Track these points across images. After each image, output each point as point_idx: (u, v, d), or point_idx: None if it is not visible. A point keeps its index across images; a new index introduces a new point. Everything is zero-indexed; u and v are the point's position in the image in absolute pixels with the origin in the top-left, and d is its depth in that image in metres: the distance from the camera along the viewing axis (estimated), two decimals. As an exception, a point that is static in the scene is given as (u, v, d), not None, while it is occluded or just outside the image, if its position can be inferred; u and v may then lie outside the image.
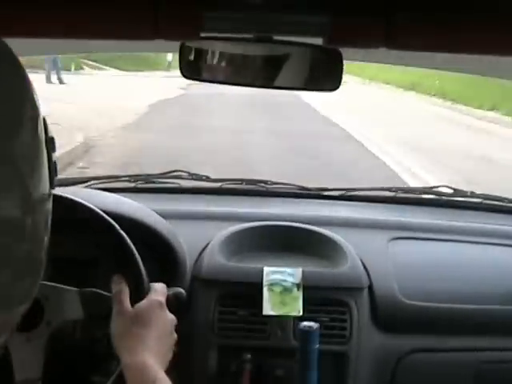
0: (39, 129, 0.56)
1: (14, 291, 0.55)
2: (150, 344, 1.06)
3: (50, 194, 0.58)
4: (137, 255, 1.23)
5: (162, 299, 1.14)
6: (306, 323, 1.34)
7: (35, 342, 1.18)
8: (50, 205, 0.59)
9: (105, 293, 1.23)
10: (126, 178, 2.02)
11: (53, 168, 0.59)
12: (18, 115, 0.53)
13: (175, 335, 1.14)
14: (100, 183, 1.94)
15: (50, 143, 0.59)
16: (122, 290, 1.14)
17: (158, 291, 1.16)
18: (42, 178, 0.56)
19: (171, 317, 1.14)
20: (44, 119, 0.58)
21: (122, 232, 1.24)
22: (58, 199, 1.25)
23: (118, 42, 1.08)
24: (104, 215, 1.26)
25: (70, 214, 1.30)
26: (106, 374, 1.21)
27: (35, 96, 0.56)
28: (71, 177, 2.00)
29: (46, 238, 0.58)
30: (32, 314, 1.20)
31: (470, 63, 1.20)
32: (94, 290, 1.24)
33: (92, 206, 1.27)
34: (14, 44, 0.96)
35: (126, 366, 1.04)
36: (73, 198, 1.29)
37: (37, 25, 0.84)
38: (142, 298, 1.14)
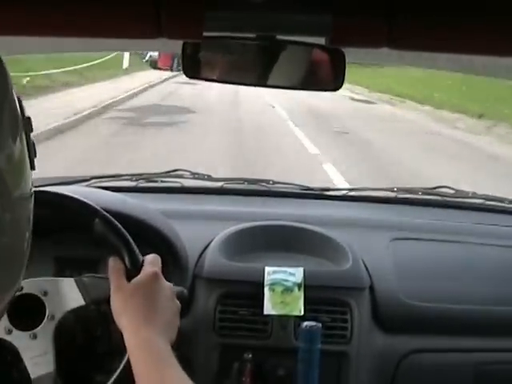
0: (19, 127, 0.56)
1: None
2: (151, 317, 1.05)
3: (31, 194, 0.58)
4: (125, 233, 1.23)
5: (157, 269, 1.13)
6: (308, 323, 1.34)
7: (42, 338, 1.19)
8: (31, 203, 0.59)
9: (101, 275, 1.24)
10: (128, 177, 2.02)
11: (31, 149, 0.59)
12: None
13: (178, 303, 1.13)
14: (101, 182, 1.95)
15: (28, 124, 0.58)
16: (116, 267, 1.14)
17: (152, 262, 1.15)
18: (22, 176, 0.56)
19: (169, 285, 1.13)
20: (19, 99, 0.57)
21: (107, 214, 1.25)
22: (57, 198, 1.26)
23: (120, 40, 1.08)
24: (89, 202, 1.26)
25: (70, 213, 1.30)
26: (108, 372, 1.22)
27: (14, 94, 0.56)
28: (72, 176, 2.00)
29: (28, 233, 0.59)
30: (34, 311, 1.21)
31: (471, 63, 1.20)
32: (90, 275, 1.25)
33: (83, 199, 1.27)
34: (14, 42, 0.96)
35: (128, 344, 1.03)
36: (73, 195, 1.29)
37: (38, 23, 0.83)
38: (137, 273, 1.14)
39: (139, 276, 1.11)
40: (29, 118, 0.59)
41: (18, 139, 0.55)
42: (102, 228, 1.24)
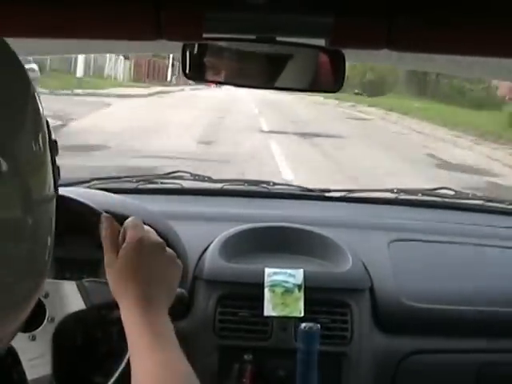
0: (41, 129, 0.56)
1: (15, 292, 0.54)
2: (148, 290, 0.92)
3: (53, 196, 0.58)
4: None
5: (141, 232, 0.96)
6: (306, 324, 1.34)
7: (41, 340, 1.19)
8: (53, 206, 0.58)
9: (103, 280, 1.24)
10: (128, 179, 2.02)
11: (56, 171, 0.59)
12: (19, 115, 0.53)
13: (179, 263, 0.98)
14: (102, 183, 1.95)
15: (53, 146, 0.59)
16: (110, 230, 0.98)
17: (133, 226, 0.97)
18: (44, 178, 0.56)
19: (160, 242, 0.97)
20: (47, 122, 0.58)
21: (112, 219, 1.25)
22: (61, 200, 1.26)
23: (121, 42, 1.08)
24: (94, 206, 1.26)
25: (71, 214, 1.30)
26: (108, 374, 1.22)
27: (37, 97, 0.56)
28: (73, 177, 2.00)
29: (50, 239, 0.58)
30: (34, 312, 1.20)
31: (471, 65, 1.20)
32: (92, 279, 1.25)
33: (88, 202, 1.27)
34: (13, 44, 0.96)
35: (128, 324, 0.90)
36: (74, 197, 1.30)
37: (37, 24, 0.84)
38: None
39: (124, 246, 0.94)
40: (55, 142, 0.59)
41: (41, 142, 0.55)
42: None
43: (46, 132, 0.57)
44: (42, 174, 0.55)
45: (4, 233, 0.50)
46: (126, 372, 1.05)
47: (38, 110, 0.56)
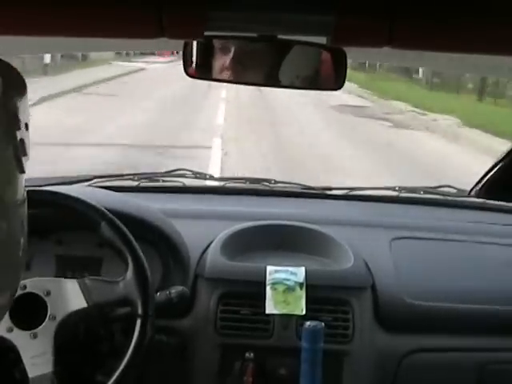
0: (6, 131, 0.54)
1: None
2: None
3: (24, 200, 0.57)
4: (132, 238, 1.24)
5: None
6: (311, 322, 1.34)
7: (42, 338, 1.19)
8: (24, 209, 0.57)
9: (106, 279, 1.24)
10: (130, 177, 2.02)
11: (20, 149, 0.55)
12: None
13: None
14: (103, 181, 1.94)
15: (14, 120, 0.55)
16: None
17: None
18: (15, 183, 0.55)
19: None
20: (17, 123, 0.54)
21: (114, 218, 1.25)
22: (64, 199, 1.26)
23: (121, 40, 1.08)
24: (96, 205, 1.26)
25: (73, 213, 1.31)
26: (109, 373, 1.22)
27: (5, 99, 0.53)
28: (74, 175, 2.00)
29: (23, 240, 0.57)
30: (35, 310, 1.21)
31: (473, 63, 1.19)
32: (94, 277, 1.25)
33: (90, 201, 1.27)
34: (14, 42, 0.95)
35: None
36: (75, 195, 1.30)
37: (39, 22, 0.83)
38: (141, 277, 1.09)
39: None
40: (15, 115, 0.55)
41: (6, 144, 0.53)
42: (108, 232, 1.24)
43: (11, 132, 0.55)
44: (12, 178, 0.54)
45: None
46: (128, 371, 1.05)
47: (4, 112, 0.53)
